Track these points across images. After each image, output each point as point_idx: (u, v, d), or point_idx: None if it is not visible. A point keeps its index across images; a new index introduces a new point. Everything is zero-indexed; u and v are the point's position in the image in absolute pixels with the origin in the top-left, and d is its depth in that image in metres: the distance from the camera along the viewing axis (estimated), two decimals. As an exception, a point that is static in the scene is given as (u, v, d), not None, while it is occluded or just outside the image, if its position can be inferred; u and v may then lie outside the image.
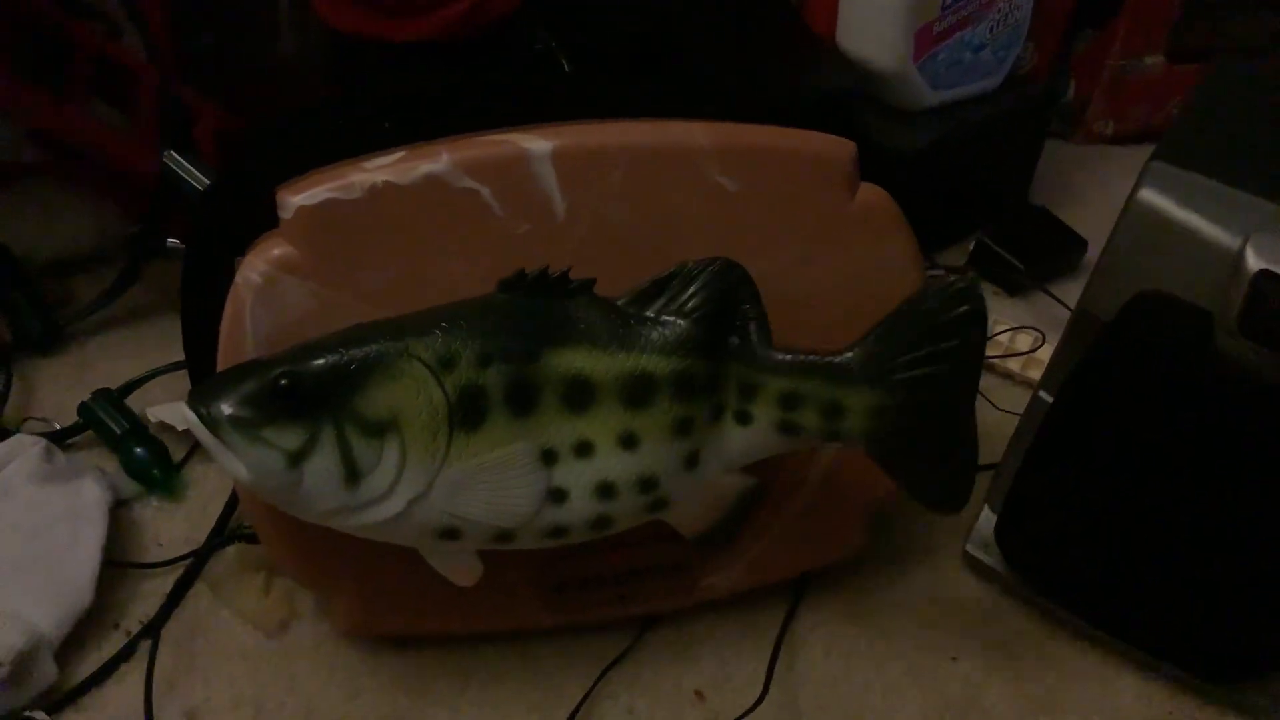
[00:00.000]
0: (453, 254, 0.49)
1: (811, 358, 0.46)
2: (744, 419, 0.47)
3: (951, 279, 0.45)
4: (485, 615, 0.55)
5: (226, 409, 0.41)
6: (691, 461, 0.46)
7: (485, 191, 0.49)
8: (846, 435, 0.47)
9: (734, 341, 0.46)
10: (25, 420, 0.69)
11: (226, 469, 0.42)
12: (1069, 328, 0.52)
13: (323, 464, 0.42)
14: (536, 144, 0.49)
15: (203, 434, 0.42)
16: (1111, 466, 0.52)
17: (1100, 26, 0.96)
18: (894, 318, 0.46)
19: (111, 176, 0.76)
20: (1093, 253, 0.83)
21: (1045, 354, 0.74)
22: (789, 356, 0.46)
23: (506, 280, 0.44)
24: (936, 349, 0.45)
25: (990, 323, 0.75)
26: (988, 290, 0.83)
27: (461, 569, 0.48)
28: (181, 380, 0.69)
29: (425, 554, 0.48)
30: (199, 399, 0.42)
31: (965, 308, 0.45)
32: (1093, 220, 0.84)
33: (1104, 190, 0.93)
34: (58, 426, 0.68)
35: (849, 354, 0.46)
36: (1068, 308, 0.78)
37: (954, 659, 0.58)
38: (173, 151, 0.68)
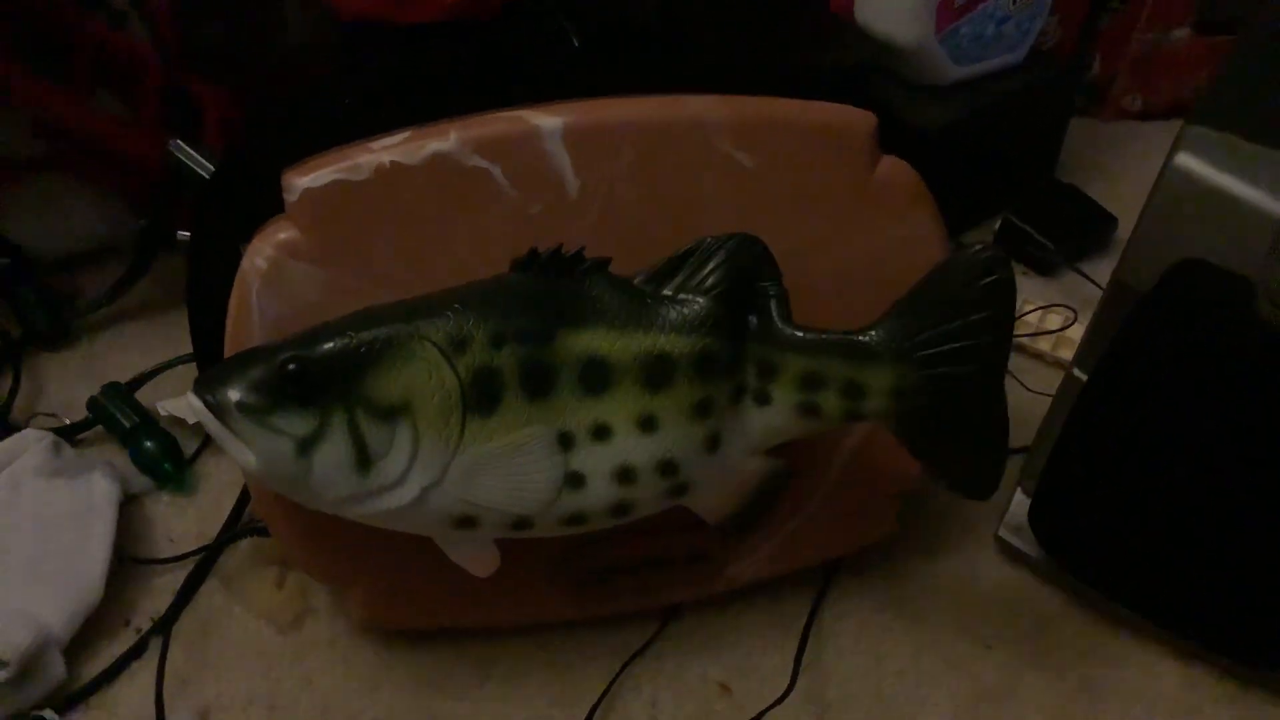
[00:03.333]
0: (463, 235, 0.48)
1: (832, 335, 0.44)
2: (763, 400, 0.45)
3: (976, 247, 0.44)
4: (504, 608, 0.54)
5: (234, 395, 0.40)
6: (713, 444, 0.44)
7: (495, 170, 0.48)
8: (869, 416, 0.45)
9: (753, 320, 0.44)
10: (34, 416, 0.68)
11: (235, 458, 0.41)
12: (1104, 301, 0.51)
13: (333, 450, 0.41)
14: (547, 121, 0.48)
15: (210, 422, 0.41)
16: (1149, 444, 0.50)
17: (1126, -1, 0.93)
18: (916, 292, 0.44)
19: (119, 168, 0.75)
20: (1123, 230, 0.81)
21: (1076, 333, 0.72)
22: (809, 335, 0.44)
23: (519, 260, 0.43)
24: (962, 323, 0.44)
25: (1019, 302, 0.73)
26: (1016, 270, 0.80)
27: (479, 559, 0.47)
28: (192, 373, 0.67)
29: (441, 544, 0.46)
30: (205, 386, 0.41)
31: (992, 278, 0.43)
32: (1122, 197, 0.82)
33: (1132, 166, 0.91)
34: (67, 422, 0.67)
35: (871, 332, 0.44)
36: (1098, 286, 0.76)
37: (988, 647, 0.56)
38: (179, 140, 0.67)
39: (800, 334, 0.44)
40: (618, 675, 0.54)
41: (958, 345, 0.44)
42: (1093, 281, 0.77)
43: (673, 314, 0.43)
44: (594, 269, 0.43)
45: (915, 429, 0.46)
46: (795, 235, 0.50)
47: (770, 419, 0.45)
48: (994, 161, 0.83)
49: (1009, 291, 0.44)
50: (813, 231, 0.50)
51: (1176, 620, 0.54)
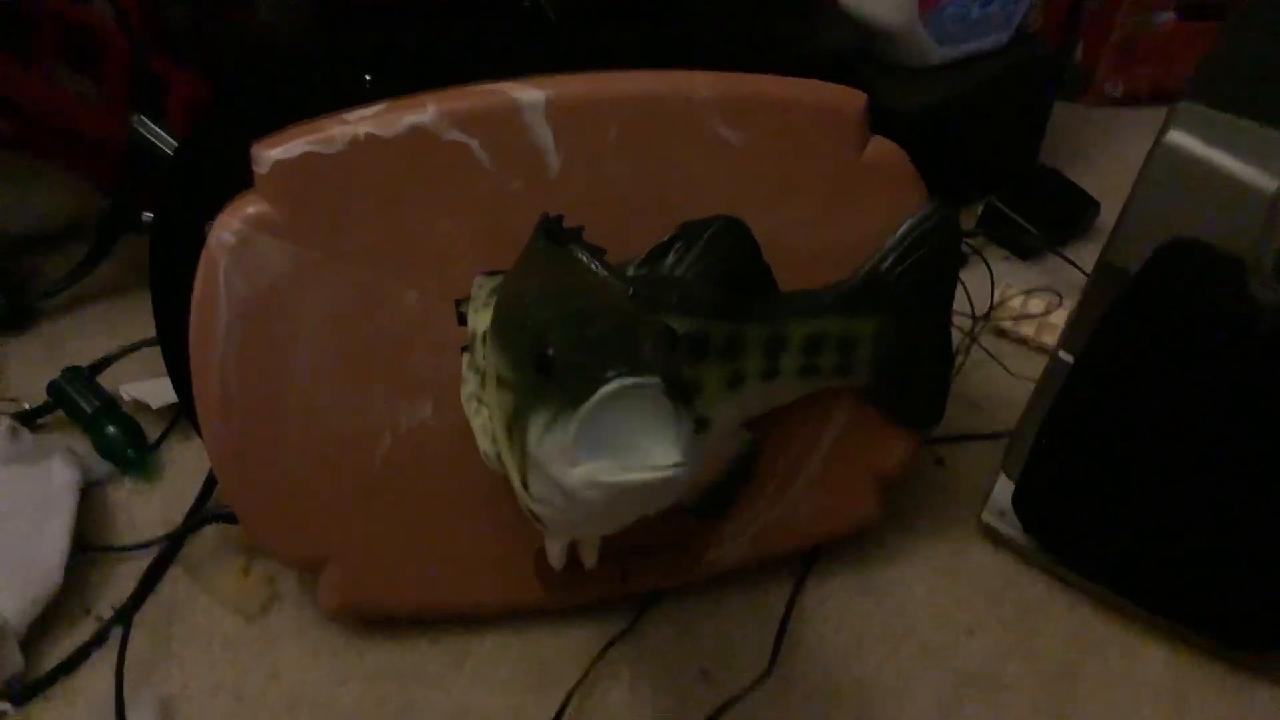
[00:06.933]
0: (440, 211, 0.47)
1: (825, 294, 0.48)
2: (770, 375, 0.46)
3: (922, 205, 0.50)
4: (480, 594, 0.53)
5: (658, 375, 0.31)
6: (700, 426, 0.43)
7: (474, 144, 0.46)
8: (854, 368, 0.50)
9: (748, 301, 0.44)
10: (-7, 400, 0.66)
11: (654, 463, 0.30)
12: (1091, 282, 0.50)
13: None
14: (529, 94, 0.46)
15: (662, 408, 0.30)
16: (1136, 426, 0.50)
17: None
18: (881, 251, 0.50)
19: (81, 148, 0.73)
20: (1106, 215, 0.81)
21: (1060, 318, 0.72)
22: (808, 298, 0.48)
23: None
24: (916, 261, 0.50)
25: (1002, 287, 0.73)
26: (999, 255, 0.81)
27: (560, 551, 0.43)
28: (155, 357, 0.66)
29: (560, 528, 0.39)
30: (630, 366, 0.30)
31: (934, 220, 0.50)
32: (1104, 182, 0.82)
33: (1114, 152, 0.91)
34: (26, 406, 0.65)
35: (852, 284, 0.49)
36: (1081, 270, 0.76)
37: (971, 632, 0.56)
38: (141, 116, 0.65)
39: (800, 299, 0.47)
40: (595, 661, 0.53)
41: (914, 282, 0.50)
42: (1075, 265, 0.77)
43: (664, 300, 0.42)
44: (571, 238, 0.41)
45: (884, 373, 0.50)
46: (783, 214, 0.49)
47: (772, 392, 0.47)
48: (977, 145, 0.83)
49: (950, 229, 0.50)
50: (801, 211, 0.50)
51: (1162, 603, 0.54)
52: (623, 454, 0.30)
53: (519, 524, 0.44)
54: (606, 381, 0.30)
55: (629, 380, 0.30)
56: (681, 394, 0.31)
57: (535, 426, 0.32)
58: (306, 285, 0.46)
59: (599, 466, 0.30)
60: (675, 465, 0.30)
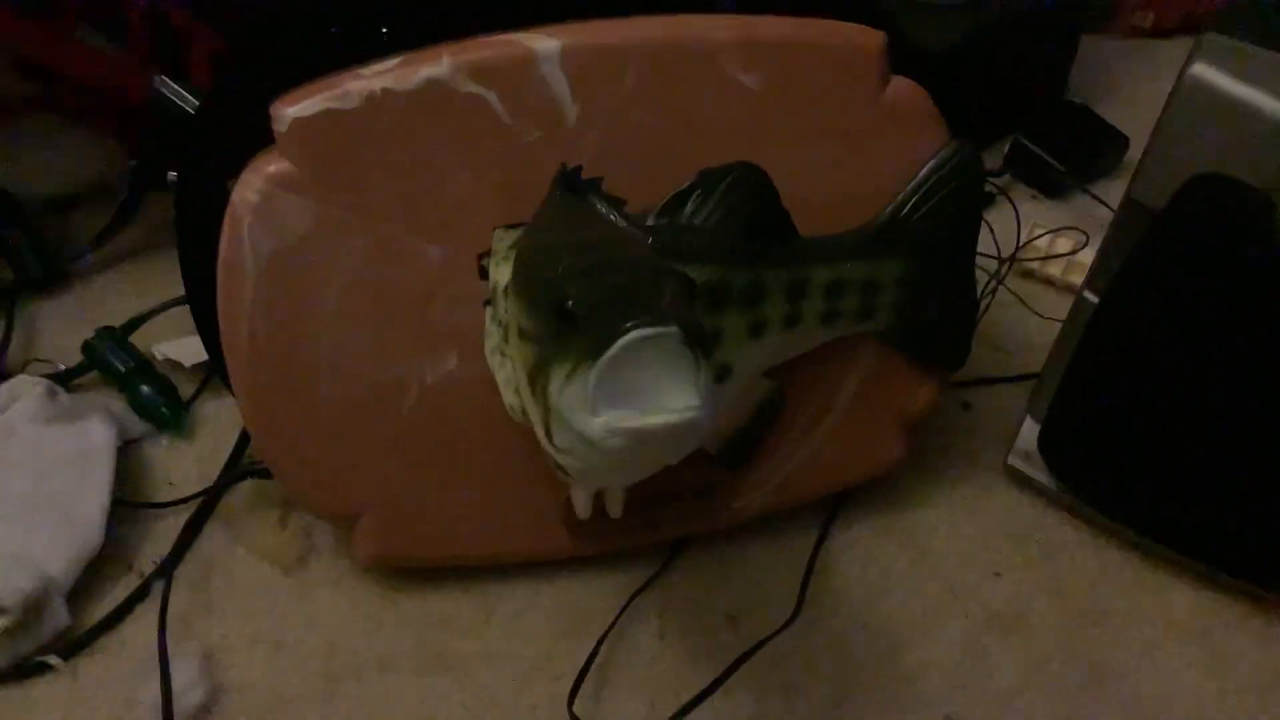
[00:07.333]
0: (458, 164, 0.47)
1: (847, 237, 0.48)
2: (793, 322, 0.46)
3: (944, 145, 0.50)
4: (510, 543, 0.53)
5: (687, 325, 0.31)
6: (722, 374, 0.43)
7: (491, 96, 0.46)
8: (878, 312, 0.50)
9: (769, 247, 0.44)
10: (29, 363, 0.67)
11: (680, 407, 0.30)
12: (1116, 220, 0.49)
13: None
14: (544, 44, 0.46)
15: (681, 356, 0.31)
16: (1163, 367, 0.49)
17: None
18: (904, 193, 0.49)
19: (107, 107, 0.73)
20: (1135, 150, 0.80)
21: (1087, 257, 0.70)
22: (830, 242, 0.47)
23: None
24: (938, 202, 0.49)
25: (1029, 226, 0.72)
26: (1026, 193, 0.80)
27: (586, 500, 0.46)
28: (187, 315, 0.66)
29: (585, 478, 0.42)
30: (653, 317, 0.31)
31: (956, 161, 0.49)
32: (1134, 117, 0.80)
33: (1145, 85, 0.89)
34: (62, 367, 0.66)
35: (874, 227, 0.49)
36: (1110, 208, 0.75)
37: (997, 574, 0.56)
38: (163, 76, 0.65)
39: (821, 244, 0.47)
40: (624, 608, 0.53)
41: (937, 224, 0.49)
42: (1104, 203, 0.76)
43: (684, 248, 0.42)
44: (590, 187, 0.41)
45: (908, 317, 0.50)
46: (805, 158, 0.49)
47: (795, 338, 0.47)
48: (1003, 81, 0.81)
49: (972, 168, 0.50)
50: (821, 154, 0.49)
51: (1189, 544, 0.54)
52: (642, 401, 0.31)
53: (546, 474, 0.44)
54: (626, 332, 0.30)
55: (648, 330, 0.30)
56: (700, 342, 0.31)
57: (557, 377, 0.32)
58: (329, 241, 0.47)
59: (619, 414, 0.31)
60: (693, 408, 0.30)
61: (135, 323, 0.68)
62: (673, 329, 0.30)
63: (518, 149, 0.47)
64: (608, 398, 0.31)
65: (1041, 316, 0.67)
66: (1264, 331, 0.46)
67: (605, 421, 0.31)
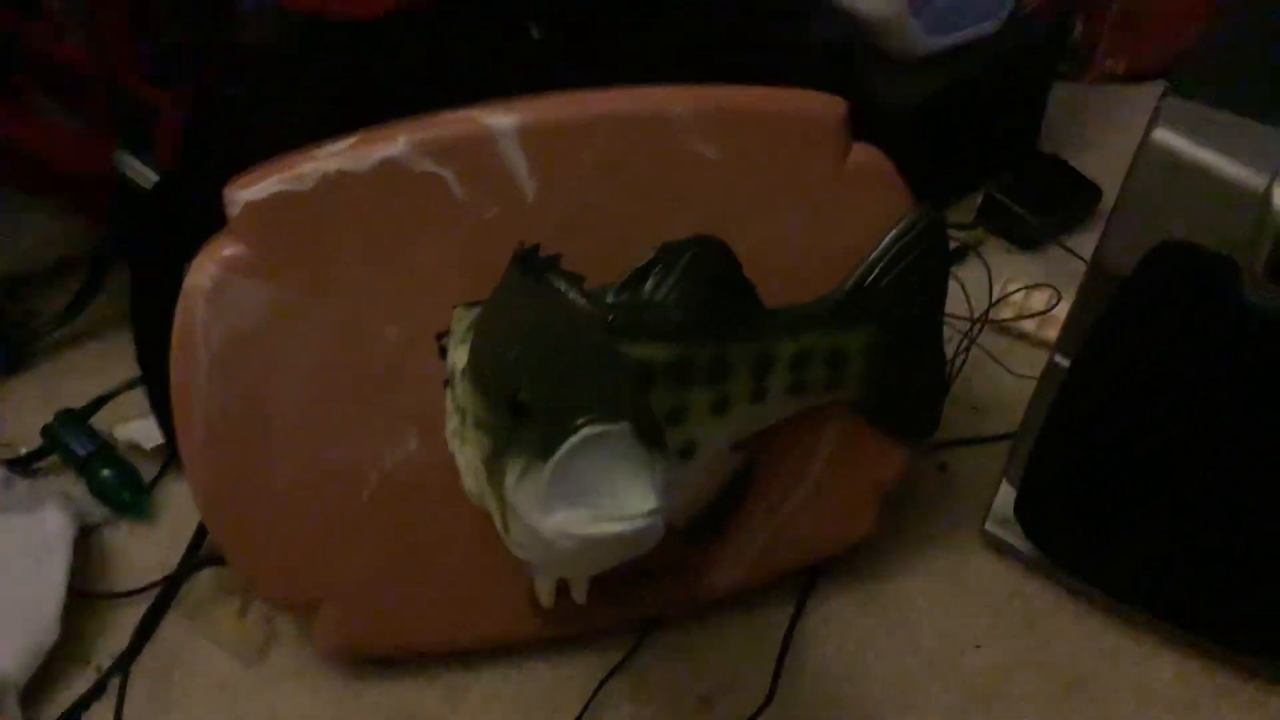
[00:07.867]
0: (416, 244, 0.46)
1: (813, 307, 0.47)
2: (759, 395, 0.45)
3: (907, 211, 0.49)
4: (476, 629, 0.52)
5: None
6: (687, 452, 0.42)
7: (448, 174, 0.46)
8: (846, 382, 0.49)
9: (732, 321, 0.44)
10: (-12, 447, 0.66)
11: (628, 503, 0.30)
12: (1084, 284, 0.49)
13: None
14: (501, 120, 0.46)
15: (634, 451, 0.31)
16: (1134, 432, 0.49)
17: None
18: (867, 261, 0.48)
19: (70, 184, 0.72)
20: (1108, 200, 0.79)
21: (1063, 312, 0.69)
22: (795, 313, 0.46)
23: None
24: (903, 269, 0.49)
25: (1002, 282, 0.72)
26: (999, 246, 0.80)
27: (550, 589, 0.47)
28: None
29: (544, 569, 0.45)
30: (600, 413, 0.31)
31: (920, 226, 0.48)
32: (1108, 165, 0.79)
33: (1119, 133, 0.89)
34: (23, 451, 0.65)
35: (839, 297, 0.48)
36: (1083, 260, 0.75)
37: (978, 646, 0.55)
38: (124, 152, 0.64)
39: (785, 315, 0.46)
40: (595, 692, 0.52)
41: (902, 291, 0.49)
42: (1078, 256, 0.75)
43: (644, 326, 0.41)
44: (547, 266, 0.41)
45: (875, 386, 0.49)
46: (766, 228, 0.49)
47: (761, 412, 0.46)
48: (974, 135, 0.81)
49: (937, 233, 0.49)
50: (784, 224, 0.49)
51: (1171, 610, 0.53)
52: (597, 500, 0.30)
53: (510, 557, 0.43)
54: (576, 430, 0.29)
55: (598, 428, 0.30)
56: (653, 436, 0.31)
57: (511, 472, 0.32)
58: (285, 325, 0.46)
59: (572, 517, 0.30)
60: (649, 514, 0.29)
61: (98, 403, 0.67)
62: (624, 425, 0.30)
63: (476, 226, 0.46)
64: (562, 496, 0.30)
65: (1017, 374, 0.67)
66: (1236, 395, 0.45)
67: (558, 523, 0.30)
